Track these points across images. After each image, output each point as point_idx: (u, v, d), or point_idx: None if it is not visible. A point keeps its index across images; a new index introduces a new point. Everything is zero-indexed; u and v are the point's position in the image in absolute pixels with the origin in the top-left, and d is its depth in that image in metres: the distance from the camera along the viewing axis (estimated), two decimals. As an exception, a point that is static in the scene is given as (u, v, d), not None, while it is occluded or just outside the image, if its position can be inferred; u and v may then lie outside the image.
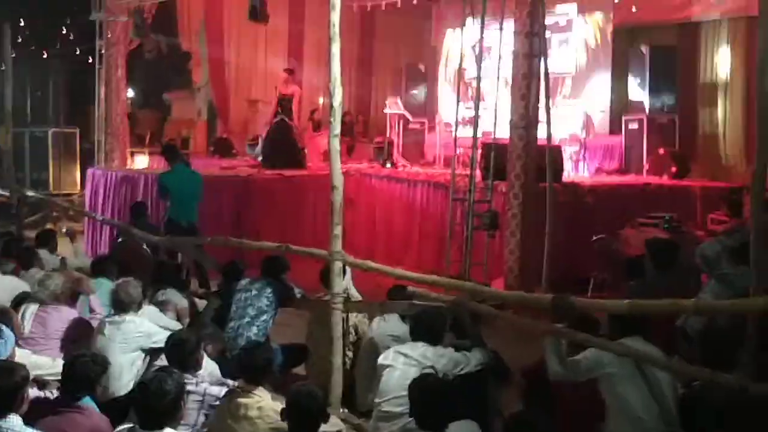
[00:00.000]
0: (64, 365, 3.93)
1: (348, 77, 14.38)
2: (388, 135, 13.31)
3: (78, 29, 15.80)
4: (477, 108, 8.65)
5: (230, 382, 4.34)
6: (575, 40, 12.79)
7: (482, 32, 8.63)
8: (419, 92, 14.23)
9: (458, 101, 9.11)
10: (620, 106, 12.17)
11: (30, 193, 10.64)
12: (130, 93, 15.53)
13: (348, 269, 5.67)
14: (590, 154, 11.71)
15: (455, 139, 9.13)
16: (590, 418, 4.36)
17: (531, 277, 7.84)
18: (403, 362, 4.48)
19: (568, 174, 10.42)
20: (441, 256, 9.69)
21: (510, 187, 8.19)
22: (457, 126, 9.09)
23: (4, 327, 4.00)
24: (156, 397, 3.38)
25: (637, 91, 11.54)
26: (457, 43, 13.78)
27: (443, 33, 14.87)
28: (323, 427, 3.73)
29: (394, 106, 13.63)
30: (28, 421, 3.46)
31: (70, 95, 17.44)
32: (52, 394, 3.97)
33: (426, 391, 3.73)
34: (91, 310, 5.48)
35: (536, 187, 8.13)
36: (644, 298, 4.27)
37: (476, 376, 4.60)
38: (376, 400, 4.49)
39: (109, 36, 12.56)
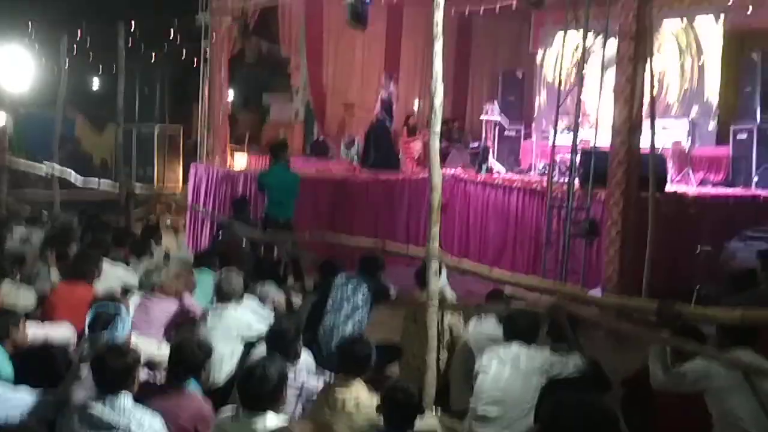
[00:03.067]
0: (171, 350, 4.06)
1: (444, 82, 14.33)
2: (483, 141, 13.25)
3: (184, 31, 16.40)
4: (577, 114, 8.51)
5: (327, 373, 4.39)
6: (682, 45, 12.40)
7: (585, 37, 8.49)
8: (516, 99, 14.07)
9: (558, 108, 8.98)
10: (729, 115, 11.69)
11: (138, 187, 11.04)
12: (231, 95, 15.97)
13: (444, 270, 5.66)
14: (695, 164, 11.31)
15: (553, 145, 9.01)
16: (693, 431, 4.22)
17: (630, 288, 7.60)
18: (496, 363, 4.45)
19: (672, 183, 10.09)
20: (536, 263, 9.57)
21: (610, 194, 7.97)
22: (555, 132, 8.97)
23: (123, 309, 4.17)
24: (260, 382, 3.46)
25: (747, 99, 11.05)
26: (556, 49, 13.61)
27: (542, 39, 14.66)
28: (418, 422, 3.72)
29: (490, 113, 13.56)
30: (138, 400, 3.59)
31: (175, 94, 18.08)
32: (162, 374, 4.11)
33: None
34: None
35: (638, 195, 7.90)
36: (756, 310, 4.10)
37: (574, 383, 4.50)
38: (471, 401, 4.47)
39: (213, 38, 12.97)
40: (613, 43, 8.10)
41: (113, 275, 6.06)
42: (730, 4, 11.56)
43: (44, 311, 5.41)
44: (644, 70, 7.62)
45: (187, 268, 5.97)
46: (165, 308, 5.41)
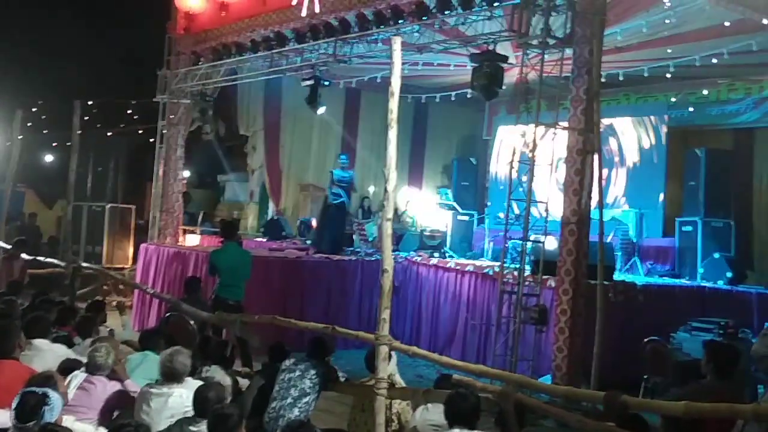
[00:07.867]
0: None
1: (399, 167, 14.53)
2: (437, 226, 13.36)
3: (142, 110, 16.44)
4: (528, 202, 8.66)
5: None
6: (629, 140, 12.83)
7: (536, 128, 8.71)
8: (470, 184, 14.33)
9: (509, 195, 9.13)
10: (674, 207, 12.04)
11: (84, 265, 10.81)
12: (186, 173, 15.92)
13: (393, 355, 5.61)
14: (642, 255, 11.54)
15: (506, 231, 9.11)
16: None
17: (579, 377, 7.62)
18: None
19: (620, 273, 10.26)
20: (486, 348, 9.55)
21: (560, 282, 8.07)
22: (507, 219, 9.10)
23: (51, 392, 4.01)
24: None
25: (692, 193, 11.41)
26: (509, 137, 13.97)
27: (496, 127, 15.05)
28: None
29: (444, 198, 13.74)
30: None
31: (129, 172, 17.97)
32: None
33: None
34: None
35: (587, 284, 8.00)
36: (700, 402, 4.12)
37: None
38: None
39: (171, 117, 13.02)
40: (563, 134, 8.33)
41: (52, 355, 5.84)
42: (673, 101, 12.07)
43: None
44: (592, 163, 7.83)
45: (131, 348, 5.81)
46: (106, 389, 5.23)
